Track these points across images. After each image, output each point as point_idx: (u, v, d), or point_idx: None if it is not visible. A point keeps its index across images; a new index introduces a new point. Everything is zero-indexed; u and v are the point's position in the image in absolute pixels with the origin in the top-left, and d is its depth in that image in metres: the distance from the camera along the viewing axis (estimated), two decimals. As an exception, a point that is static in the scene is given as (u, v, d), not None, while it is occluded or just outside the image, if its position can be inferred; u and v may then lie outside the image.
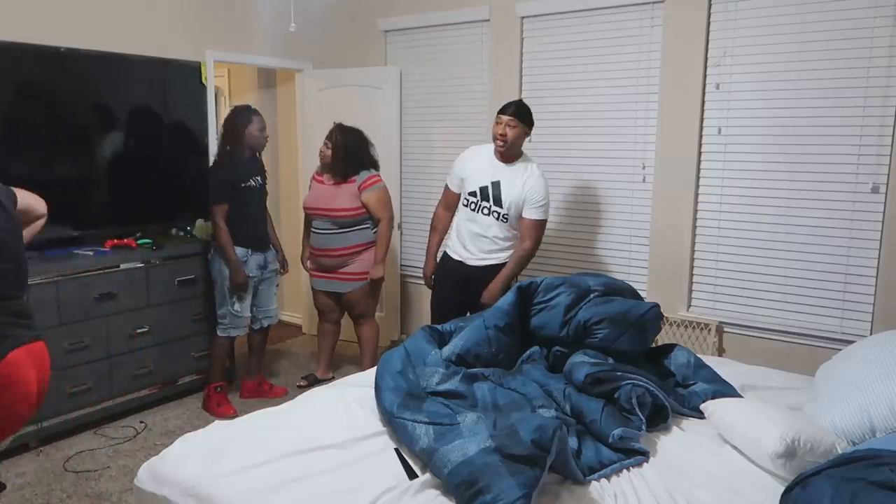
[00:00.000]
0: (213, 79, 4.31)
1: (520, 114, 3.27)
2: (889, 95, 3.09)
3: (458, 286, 3.45)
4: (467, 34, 4.38)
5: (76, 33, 3.59)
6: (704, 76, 3.53)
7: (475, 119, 4.42)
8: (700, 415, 2.18)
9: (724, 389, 2.29)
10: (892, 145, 3.11)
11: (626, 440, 1.94)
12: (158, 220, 3.99)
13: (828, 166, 3.27)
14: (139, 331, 3.61)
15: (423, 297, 4.80)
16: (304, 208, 3.96)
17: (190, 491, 1.78)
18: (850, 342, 2.71)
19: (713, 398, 2.21)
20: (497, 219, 3.35)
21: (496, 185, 3.33)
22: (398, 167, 4.73)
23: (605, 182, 3.95)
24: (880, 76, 3.10)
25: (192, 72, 4.06)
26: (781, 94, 3.34)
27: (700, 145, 3.59)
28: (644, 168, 3.78)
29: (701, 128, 3.57)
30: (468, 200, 3.43)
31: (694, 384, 2.35)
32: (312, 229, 3.92)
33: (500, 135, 3.25)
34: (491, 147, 3.38)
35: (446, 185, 3.61)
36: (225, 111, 5.67)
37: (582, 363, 2.31)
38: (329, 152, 3.81)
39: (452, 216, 3.60)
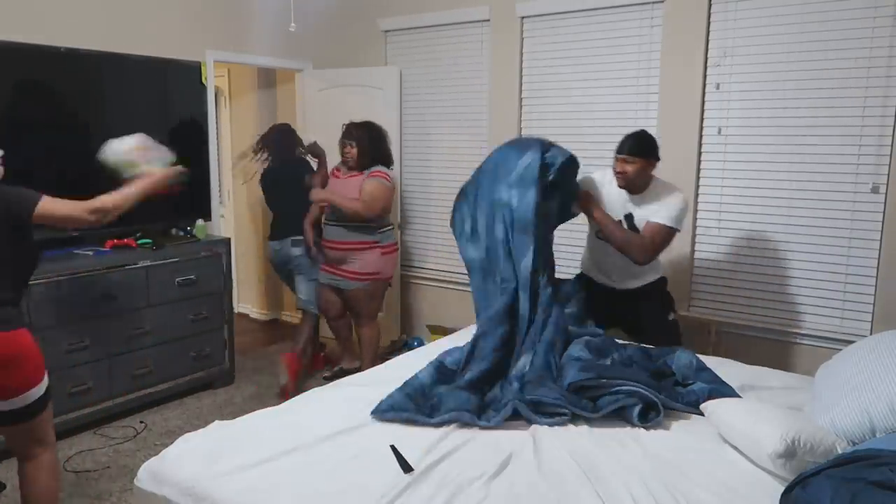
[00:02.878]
0: (213, 79, 4.31)
1: (637, 150, 2.95)
2: (889, 95, 3.09)
3: (610, 311, 3.17)
4: (467, 34, 4.38)
5: (76, 33, 3.59)
6: (704, 76, 3.53)
7: (475, 119, 4.43)
8: (696, 411, 2.19)
9: (722, 389, 2.29)
10: (892, 145, 3.11)
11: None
12: (158, 220, 3.98)
13: (828, 166, 3.27)
14: (139, 331, 3.61)
15: (423, 298, 4.80)
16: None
17: (190, 491, 1.78)
18: (850, 342, 2.71)
19: (711, 397, 2.22)
20: None
21: (629, 217, 3.04)
22: (398, 167, 4.72)
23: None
24: (880, 76, 3.10)
25: (192, 72, 4.06)
26: (781, 94, 3.34)
27: (700, 145, 3.59)
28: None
29: (701, 128, 3.57)
30: (597, 231, 3.15)
31: (693, 384, 2.36)
32: (324, 221, 4.01)
33: (619, 173, 2.99)
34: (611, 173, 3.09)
35: None
36: (225, 111, 5.69)
37: (573, 362, 2.35)
38: (354, 151, 3.79)
39: None
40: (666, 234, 2.95)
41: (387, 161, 3.90)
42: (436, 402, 2.24)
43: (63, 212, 2.30)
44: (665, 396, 2.23)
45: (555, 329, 2.60)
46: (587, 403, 2.20)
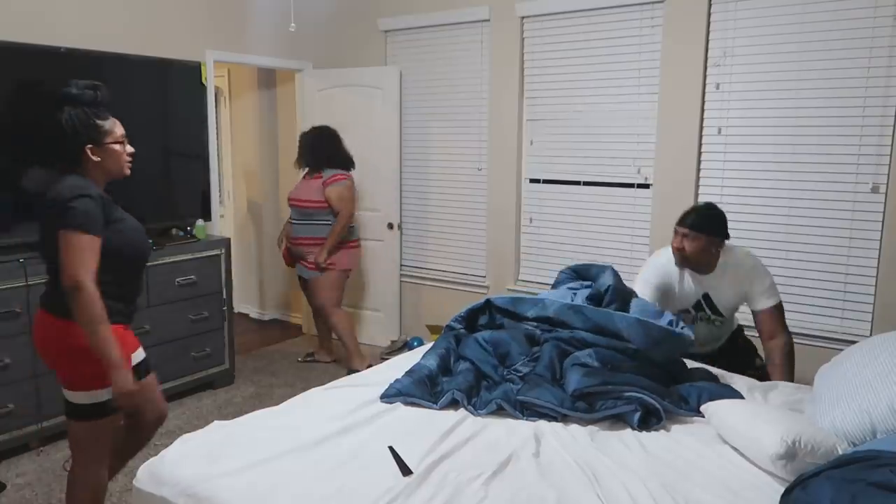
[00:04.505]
0: (213, 79, 4.31)
1: (700, 224, 2.66)
2: (889, 95, 3.09)
3: None
4: (467, 34, 4.38)
5: (76, 33, 3.59)
6: (704, 76, 3.53)
7: (475, 119, 4.43)
8: (698, 413, 2.19)
9: (722, 390, 2.29)
10: (892, 145, 3.11)
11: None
12: (158, 220, 3.98)
13: (828, 166, 3.27)
14: (139, 331, 3.60)
15: (422, 298, 4.80)
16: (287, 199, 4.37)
17: (189, 491, 1.78)
18: (851, 342, 2.71)
19: (712, 397, 2.21)
20: (717, 325, 2.90)
21: (706, 297, 2.81)
22: (398, 167, 4.73)
23: (605, 182, 3.95)
24: (880, 76, 3.10)
25: (192, 72, 4.06)
26: (781, 94, 3.34)
27: (700, 145, 3.59)
28: (639, 172, 3.79)
29: (701, 128, 3.57)
30: (688, 317, 2.87)
31: (693, 383, 2.35)
32: (290, 221, 4.33)
33: (677, 249, 2.72)
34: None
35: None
36: (225, 111, 5.70)
37: (577, 367, 2.33)
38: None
39: None
40: (780, 313, 2.74)
41: (343, 164, 4.20)
42: (440, 390, 2.34)
43: (65, 257, 2.03)
44: (669, 402, 2.22)
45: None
46: (583, 405, 2.19)
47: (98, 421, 2.21)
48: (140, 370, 2.34)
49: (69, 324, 2.07)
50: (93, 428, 2.22)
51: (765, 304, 2.71)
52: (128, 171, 2.31)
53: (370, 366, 4.05)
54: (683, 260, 2.72)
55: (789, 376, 2.69)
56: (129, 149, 2.29)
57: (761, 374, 2.78)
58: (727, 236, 2.72)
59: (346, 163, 4.23)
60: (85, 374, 2.14)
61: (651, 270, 2.83)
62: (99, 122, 2.21)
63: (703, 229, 2.64)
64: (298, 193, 4.20)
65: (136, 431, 2.51)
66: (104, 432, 2.25)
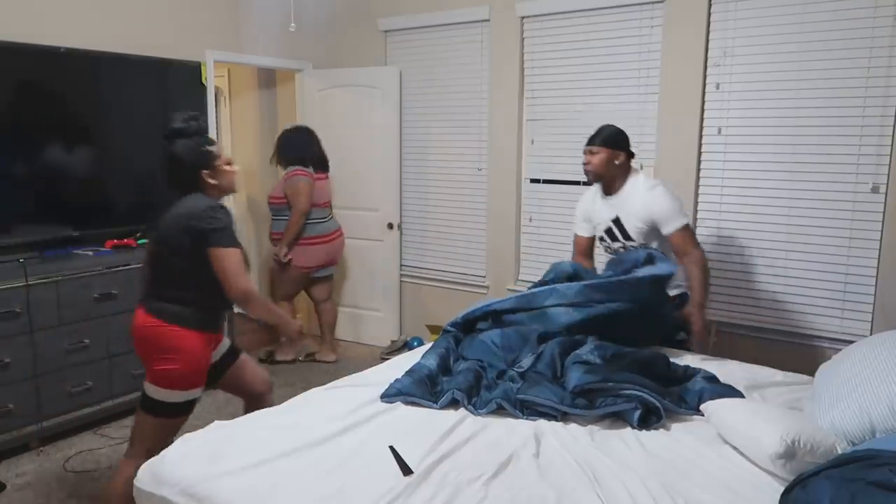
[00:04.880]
0: (213, 79, 4.31)
1: (600, 140, 2.99)
2: (889, 95, 3.09)
3: None
4: (467, 34, 4.38)
5: (76, 33, 3.59)
6: (704, 76, 3.53)
7: (475, 119, 4.43)
8: (698, 412, 2.19)
9: (722, 389, 2.29)
10: (892, 145, 3.11)
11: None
12: (159, 220, 3.98)
13: (828, 166, 3.27)
14: (139, 331, 3.61)
15: (422, 298, 4.80)
16: None
17: (189, 491, 1.78)
18: (850, 342, 2.71)
19: (712, 397, 2.22)
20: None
21: (616, 221, 3.06)
22: (398, 167, 4.73)
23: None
24: (880, 76, 3.10)
25: (192, 72, 4.06)
26: (781, 94, 3.34)
27: (700, 145, 3.59)
28: (641, 167, 3.78)
29: (701, 128, 3.57)
30: (604, 247, 3.21)
31: (692, 382, 2.36)
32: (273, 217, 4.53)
33: (584, 166, 3.05)
34: (597, 187, 3.14)
35: (575, 234, 3.35)
36: (225, 111, 5.69)
37: (578, 365, 2.33)
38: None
39: (593, 262, 3.36)
40: (688, 232, 2.92)
41: (300, 161, 4.31)
42: (440, 389, 2.34)
43: (225, 274, 2.31)
44: (669, 402, 2.22)
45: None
46: (583, 402, 2.19)
47: (167, 420, 2.38)
48: (223, 364, 2.63)
49: (165, 326, 2.32)
50: (161, 425, 2.38)
51: (672, 227, 2.91)
52: (234, 190, 2.59)
53: (295, 360, 4.57)
54: (592, 176, 3.05)
55: (705, 289, 2.91)
56: (236, 167, 2.56)
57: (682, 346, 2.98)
58: (629, 152, 3.04)
59: (315, 162, 4.37)
60: (169, 374, 2.33)
61: (578, 206, 3.31)
62: (208, 148, 2.47)
63: (605, 143, 2.98)
64: (272, 191, 4.44)
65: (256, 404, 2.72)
66: (169, 432, 2.39)
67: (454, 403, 2.28)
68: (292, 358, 4.64)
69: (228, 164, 2.52)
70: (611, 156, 2.98)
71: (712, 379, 2.38)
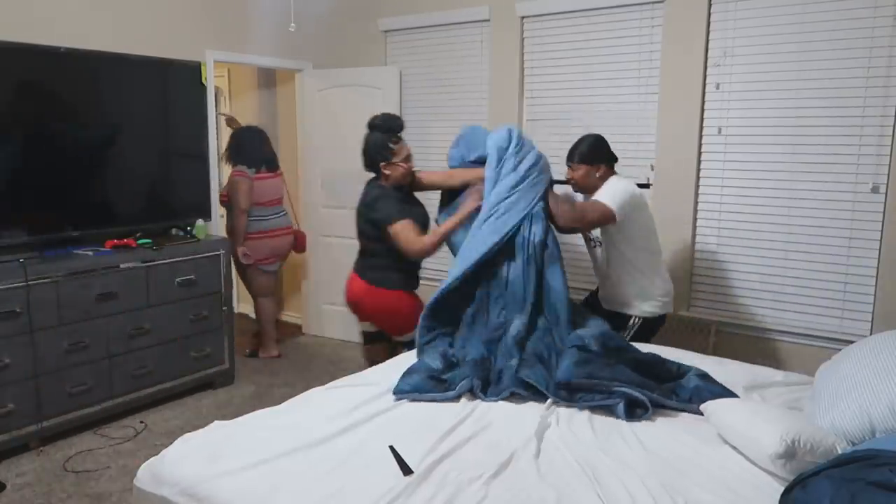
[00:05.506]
0: (213, 79, 4.31)
1: (580, 157, 3.06)
2: (889, 95, 3.09)
3: None
4: (467, 34, 4.38)
5: (76, 33, 3.59)
6: (704, 76, 3.53)
7: (475, 119, 4.42)
8: (691, 405, 2.22)
9: (715, 388, 2.30)
10: (892, 145, 3.11)
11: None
12: (158, 220, 3.99)
13: (828, 166, 3.27)
14: (139, 331, 3.61)
15: (423, 298, 4.79)
16: None
17: (189, 491, 1.78)
18: (850, 342, 2.71)
19: (705, 393, 2.24)
20: (598, 247, 3.16)
21: None
22: (398, 167, 4.73)
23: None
24: (880, 76, 3.10)
25: (192, 72, 4.06)
26: (781, 94, 3.34)
27: (700, 145, 3.59)
28: (652, 169, 3.77)
29: (701, 128, 3.57)
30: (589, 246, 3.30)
31: (686, 379, 2.37)
32: None
33: (569, 180, 3.15)
34: None
35: None
36: (225, 111, 5.69)
37: (572, 350, 2.43)
38: None
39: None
40: (598, 210, 2.89)
41: (245, 161, 4.44)
42: (448, 385, 2.39)
43: (400, 243, 3.02)
44: (659, 394, 2.25)
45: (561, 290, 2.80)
46: (564, 394, 2.29)
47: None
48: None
49: (374, 289, 3.12)
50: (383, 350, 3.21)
51: (598, 197, 2.94)
52: (407, 181, 3.14)
53: (278, 355, 4.68)
54: (578, 188, 3.14)
55: (553, 200, 2.99)
56: (411, 165, 3.13)
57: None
58: (609, 160, 3.07)
59: (264, 162, 4.53)
60: (394, 325, 3.22)
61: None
62: (391, 145, 3.06)
63: (582, 160, 3.05)
64: (221, 189, 4.57)
65: None
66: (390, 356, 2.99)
67: (466, 393, 2.36)
68: (276, 354, 4.74)
69: (404, 161, 3.08)
70: (590, 170, 3.05)
71: (705, 377, 2.38)
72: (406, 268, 3.18)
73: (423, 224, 3.12)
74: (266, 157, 4.57)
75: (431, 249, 3.02)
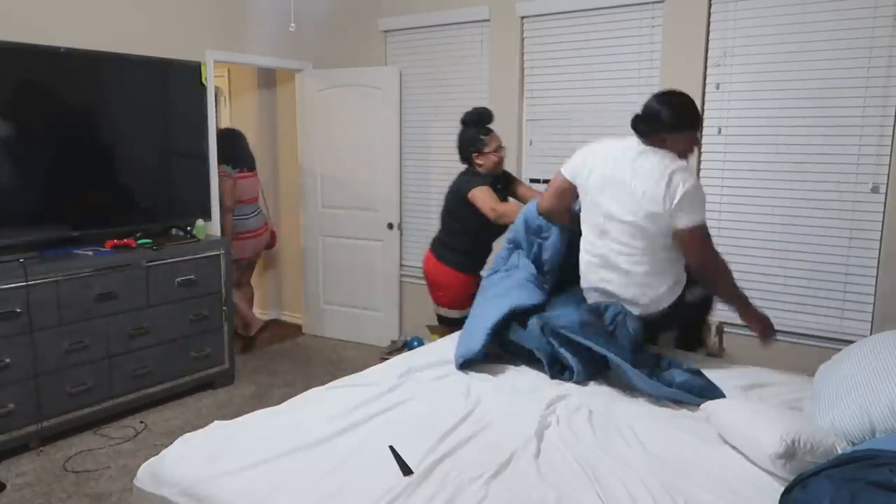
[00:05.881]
0: (213, 79, 4.31)
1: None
2: (889, 95, 3.09)
3: None
4: (467, 34, 4.38)
5: (76, 33, 3.60)
6: (704, 76, 3.53)
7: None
8: (674, 394, 2.29)
9: (699, 380, 2.34)
10: (892, 145, 3.11)
11: None
12: (158, 220, 3.99)
13: (828, 166, 3.27)
14: (139, 331, 3.61)
15: (422, 298, 4.80)
16: None
17: (189, 491, 1.78)
18: (850, 342, 2.71)
19: (689, 384, 2.30)
20: None
21: None
22: (398, 167, 4.73)
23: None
24: (880, 76, 3.10)
25: (192, 72, 4.06)
26: (782, 94, 3.34)
27: (700, 145, 3.59)
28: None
29: (701, 128, 3.57)
30: None
31: (671, 372, 2.41)
32: None
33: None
34: None
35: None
36: (225, 111, 5.70)
37: (563, 314, 2.55)
38: None
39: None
40: (706, 234, 2.70)
41: (226, 161, 4.57)
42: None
43: (478, 204, 3.25)
44: (641, 372, 2.33)
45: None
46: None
47: (448, 328, 3.37)
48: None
49: (436, 262, 3.48)
50: (446, 332, 3.30)
51: None
52: (499, 170, 3.41)
53: (262, 329, 4.93)
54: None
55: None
56: (502, 154, 3.39)
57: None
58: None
59: (244, 161, 4.72)
60: (442, 297, 3.51)
61: None
62: (482, 137, 3.34)
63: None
64: None
65: None
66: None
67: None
68: (263, 324, 5.03)
69: (495, 152, 3.33)
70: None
71: (695, 372, 2.40)
72: (473, 251, 3.45)
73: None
74: (249, 156, 4.83)
75: (508, 214, 3.13)
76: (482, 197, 3.22)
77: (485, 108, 3.41)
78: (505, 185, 3.49)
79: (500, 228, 3.27)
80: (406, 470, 1.81)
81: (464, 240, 3.41)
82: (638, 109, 2.58)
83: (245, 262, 4.89)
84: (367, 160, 4.79)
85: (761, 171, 3.44)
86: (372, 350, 4.81)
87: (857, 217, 3.24)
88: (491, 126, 3.41)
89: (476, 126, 3.37)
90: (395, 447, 1.94)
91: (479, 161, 3.34)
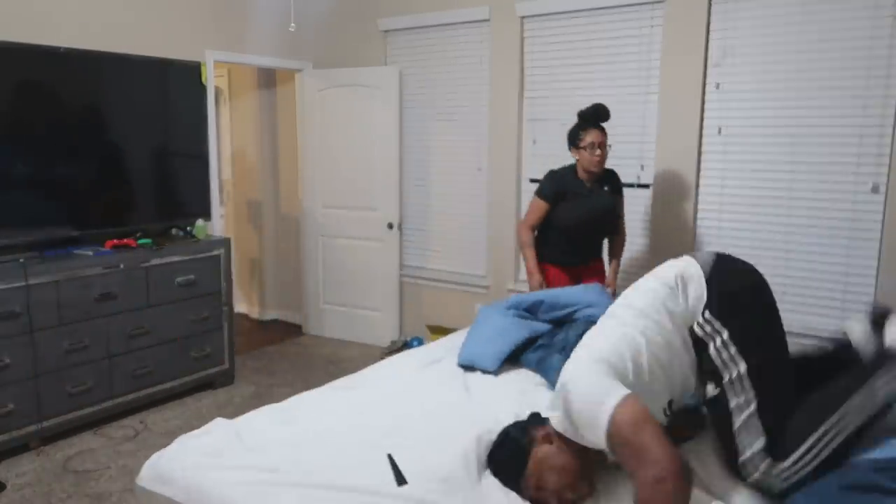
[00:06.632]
0: (213, 79, 4.31)
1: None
2: (889, 95, 3.10)
3: None
4: (467, 34, 4.38)
5: (76, 33, 3.60)
6: (704, 76, 3.53)
7: (475, 119, 4.43)
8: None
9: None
10: (892, 145, 3.11)
11: None
12: (158, 220, 3.99)
13: (828, 166, 3.27)
14: (139, 331, 3.61)
15: (422, 298, 4.80)
16: None
17: (190, 490, 1.78)
18: (850, 342, 2.70)
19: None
20: None
21: None
22: (397, 167, 4.73)
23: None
24: (880, 76, 3.10)
25: (192, 72, 4.06)
26: (781, 94, 3.35)
27: (700, 145, 3.59)
28: (643, 169, 3.79)
29: (701, 128, 3.58)
30: None
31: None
32: None
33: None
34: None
35: None
36: (225, 111, 5.69)
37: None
38: None
39: None
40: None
41: None
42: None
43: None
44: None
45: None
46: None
47: None
48: None
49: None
50: None
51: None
52: (594, 168, 3.29)
53: None
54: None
55: None
56: (598, 153, 3.25)
57: None
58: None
59: None
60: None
61: None
62: (580, 132, 3.28)
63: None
64: None
65: None
66: None
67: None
68: None
69: (589, 148, 3.24)
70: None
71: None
72: (561, 244, 3.43)
73: (571, 214, 3.34)
74: None
75: (522, 243, 3.45)
76: (530, 206, 3.43)
77: (600, 105, 3.26)
78: (612, 190, 3.40)
79: (577, 226, 3.37)
80: (401, 480, 1.80)
81: (548, 233, 3.46)
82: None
83: None
84: (367, 160, 4.79)
85: (761, 171, 3.44)
86: (372, 350, 4.81)
87: (857, 217, 3.24)
88: (604, 124, 3.29)
89: (588, 121, 3.27)
90: (392, 456, 1.92)
91: (575, 155, 3.34)
